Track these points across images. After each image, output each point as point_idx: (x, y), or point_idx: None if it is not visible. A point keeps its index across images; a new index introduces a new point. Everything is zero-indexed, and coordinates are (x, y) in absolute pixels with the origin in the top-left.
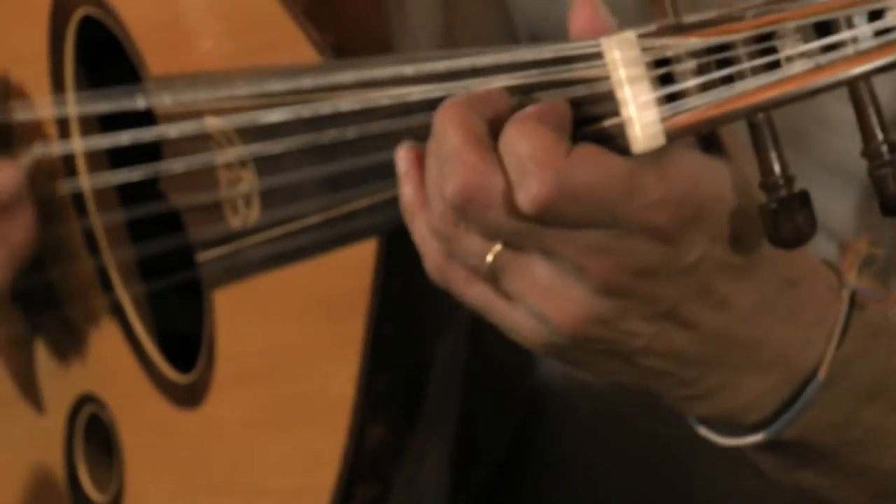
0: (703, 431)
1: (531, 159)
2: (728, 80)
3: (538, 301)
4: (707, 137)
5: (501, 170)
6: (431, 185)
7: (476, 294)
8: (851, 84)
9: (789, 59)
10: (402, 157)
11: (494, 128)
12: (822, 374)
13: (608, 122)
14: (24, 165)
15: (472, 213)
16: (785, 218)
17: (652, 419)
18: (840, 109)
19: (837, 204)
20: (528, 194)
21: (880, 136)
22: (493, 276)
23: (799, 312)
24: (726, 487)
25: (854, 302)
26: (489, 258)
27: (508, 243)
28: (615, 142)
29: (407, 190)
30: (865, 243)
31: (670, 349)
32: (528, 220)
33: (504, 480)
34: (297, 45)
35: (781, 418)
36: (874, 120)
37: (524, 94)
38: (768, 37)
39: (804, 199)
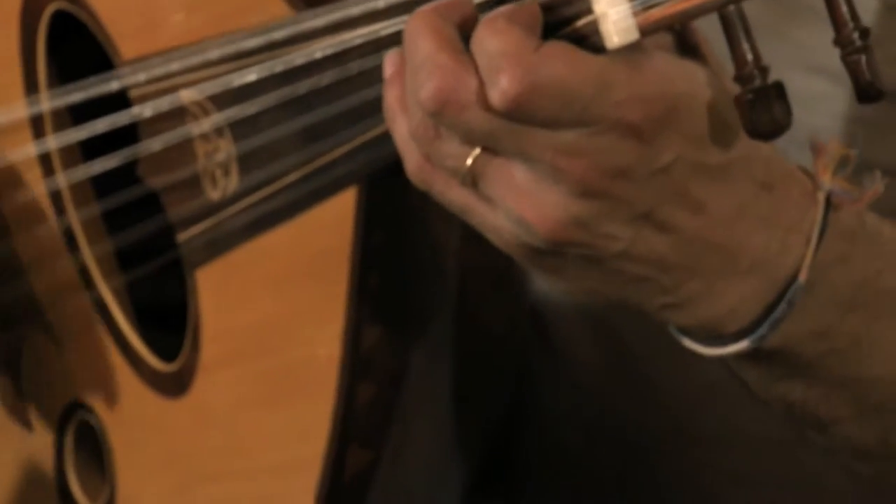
0: (687, 343)
1: (501, 55)
2: None
3: (516, 204)
4: (684, 44)
5: (474, 71)
6: (408, 93)
7: (456, 197)
8: None
9: None
10: (389, 61)
11: (464, 33)
12: (802, 276)
13: (581, 22)
14: None
15: (448, 116)
16: (761, 108)
17: (638, 405)
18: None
19: (824, 108)
20: (499, 90)
21: (851, 23)
22: (471, 180)
23: (775, 216)
24: (715, 472)
25: (830, 204)
26: (468, 161)
27: (486, 147)
28: (589, 41)
29: (390, 94)
30: (838, 144)
31: (649, 253)
32: (502, 118)
33: (490, 470)
34: (269, 4)
35: (764, 324)
36: (844, 7)
37: (497, 3)
38: None
39: (779, 89)
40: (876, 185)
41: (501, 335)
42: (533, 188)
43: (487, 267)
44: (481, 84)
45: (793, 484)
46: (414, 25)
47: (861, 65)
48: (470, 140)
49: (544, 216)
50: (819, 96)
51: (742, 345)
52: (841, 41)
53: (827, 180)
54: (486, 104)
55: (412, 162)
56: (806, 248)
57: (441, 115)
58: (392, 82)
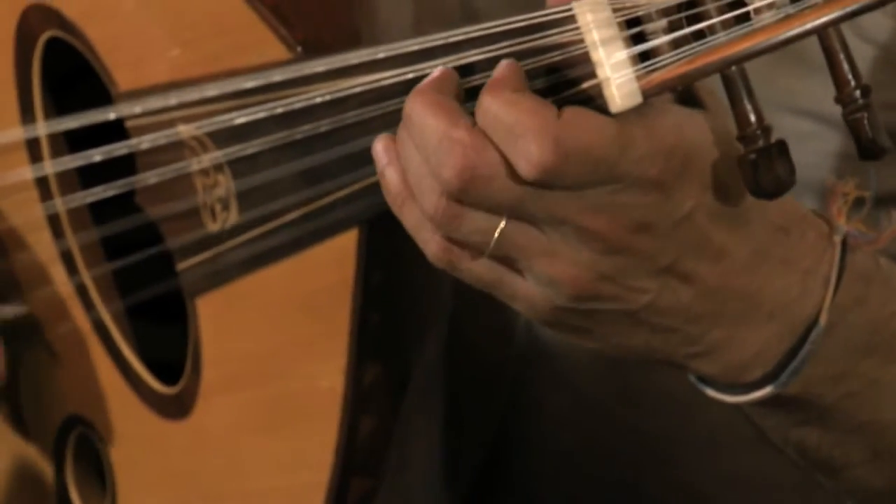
0: (710, 392)
1: (524, 126)
2: (699, 35)
3: (545, 268)
4: (684, 92)
5: (490, 143)
6: (416, 176)
7: (483, 272)
8: (821, 32)
9: (758, 11)
10: (381, 150)
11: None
12: (822, 319)
13: (586, 85)
14: None
15: (475, 191)
16: (764, 168)
17: (631, 411)
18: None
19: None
20: (529, 160)
21: (853, 81)
22: (499, 251)
23: (793, 260)
24: (708, 476)
25: (846, 246)
26: (495, 234)
27: (511, 215)
28: (594, 103)
29: (392, 181)
30: (853, 186)
31: (675, 304)
32: (528, 186)
33: (487, 475)
34: (266, 45)
35: (787, 369)
36: (846, 66)
37: None
38: None
39: (782, 148)
40: (894, 226)
41: (493, 355)
42: (560, 249)
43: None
44: (502, 155)
45: (788, 485)
46: (417, 105)
47: (863, 123)
48: (496, 211)
49: (574, 275)
50: (806, 135)
51: (765, 391)
52: (843, 99)
53: (843, 223)
54: (510, 174)
55: (433, 245)
56: (825, 291)
57: (467, 191)
58: (391, 170)
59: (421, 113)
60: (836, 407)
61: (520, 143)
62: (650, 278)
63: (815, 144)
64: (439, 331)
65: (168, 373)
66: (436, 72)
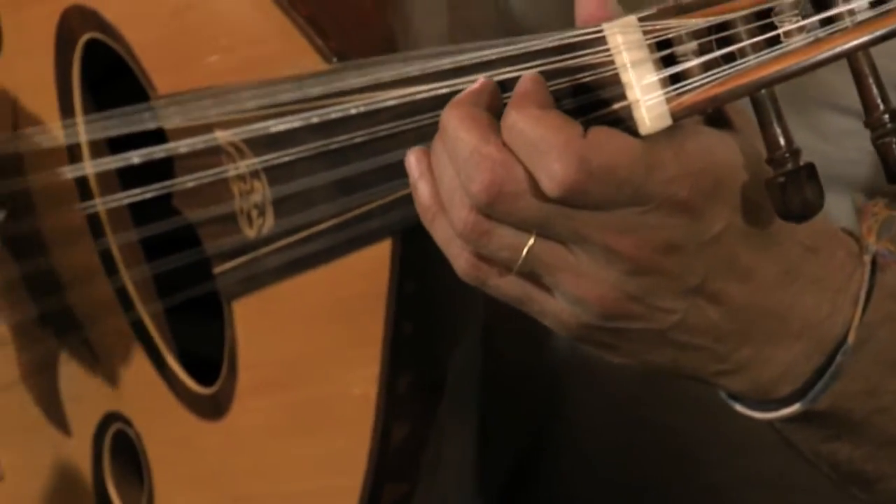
0: (739, 408)
1: (548, 144)
2: (729, 58)
3: (573, 287)
4: (714, 113)
5: (518, 159)
6: (448, 190)
7: (512, 288)
8: (850, 56)
9: (788, 34)
10: (413, 162)
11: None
12: (851, 338)
13: (616, 106)
14: None
15: (502, 207)
16: (793, 191)
17: (662, 414)
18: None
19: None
20: (552, 178)
21: (881, 105)
22: (527, 268)
23: (822, 279)
24: (737, 477)
25: (876, 265)
26: (524, 252)
27: (540, 233)
28: (624, 124)
29: (423, 194)
30: (883, 206)
31: (703, 324)
32: (555, 204)
33: (521, 477)
34: (302, 54)
35: (815, 387)
36: (875, 90)
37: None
38: (766, 13)
39: (811, 171)
40: None
41: (525, 360)
42: (588, 268)
43: None
44: (528, 172)
45: (815, 488)
46: (453, 118)
47: (891, 147)
48: (524, 228)
49: (602, 294)
50: (847, 132)
51: (794, 408)
52: (871, 123)
53: (873, 242)
54: (537, 191)
55: (463, 261)
56: (854, 310)
57: (494, 206)
58: (423, 180)
59: (455, 126)
60: (866, 422)
61: (544, 160)
62: (678, 298)
63: (856, 141)
64: (472, 336)
65: (204, 373)
66: (475, 84)
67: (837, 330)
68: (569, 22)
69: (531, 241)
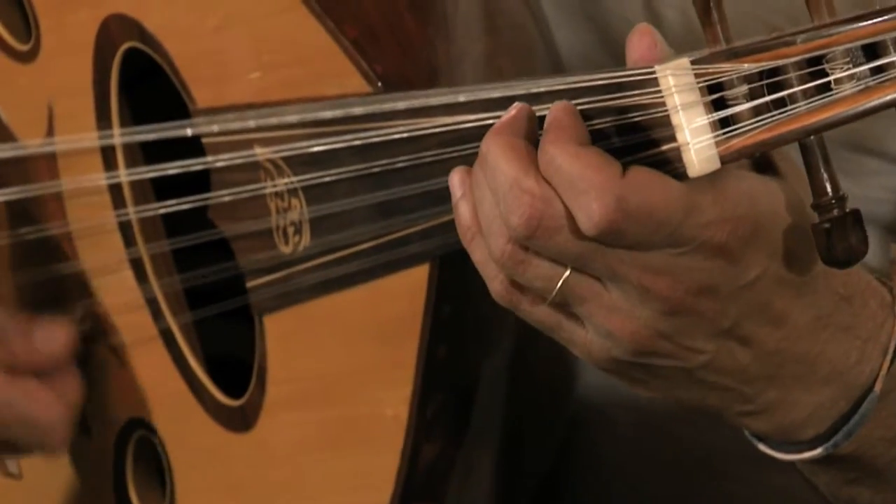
0: (763, 448)
1: (587, 182)
2: (779, 103)
3: (605, 321)
4: (760, 158)
5: (557, 195)
6: (487, 217)
7: (544, 316)
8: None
9: (839, 81)
10: (457, 182)
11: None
12: (878, 387)
13: (664, 147)
14: (74, 322)
15: (540, 241)
16: (838, 237)
17: (687, 427)
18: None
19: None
20: (591, 217)
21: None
22: (561, 299)
23: (853, 328)
24: (761, 490)
25: None
26: (558, 284)
27: (575, 267)
28: (671, 166)
29: (464, 214)
30: None
31: (732, 365)
32: (592, 242)
33: (547, 492)
34: (345, 76)
35: (840, 432)
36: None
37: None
38: (818, 60)
39: (856, 218)
40: None
41: (555, 383)
42: (621, 304)
43: None
44: (566, 208)
45: None
46: (494, 148)
47: None
48: (560, 261)
49: (633, 331)
50: (870, 172)
51: (816, 451)
52: None
53: None
54: (574, 228)
55: (497, 284)
56: (882, 359)
57: (533, 239)
58: (464, 202)
59: (495, 155)
60: (889, 468)
61: (582, 198)
62: (709, 340)
63: (878, 180)
64: (504, 360)
65: (232, 384)
66: (512, 109)
67: (865, 378)
68: (611, 54)
69: (566, 274)
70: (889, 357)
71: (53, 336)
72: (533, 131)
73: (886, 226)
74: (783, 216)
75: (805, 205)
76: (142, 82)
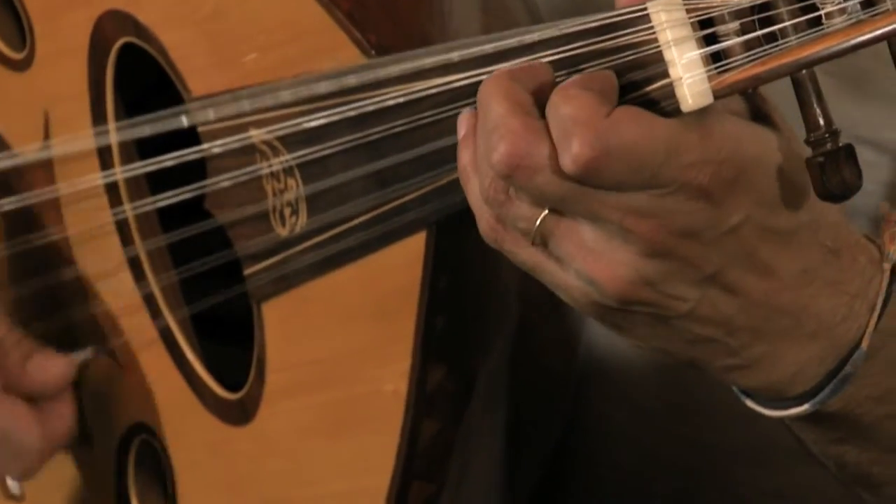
0: (750, 404)
1: (573, 121)
2: (771, 38)
3: (585, 264)
4: (757, 111)
5: (547, 136)
6: (480, 155)
7: (526, 256)
8: (891, 39)
9: (829, 16)
10: (462, 121)
11: (540, 99)
12: (865, 343)
13: (658, 84)
14: (77, 364)
15: (518, 180)
16: (832, 171)
17: (687, 427)
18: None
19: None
20: (570, 155)
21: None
22: (541, 240)
23: (841, 283)
24: (762, 488)
25: (895, 274)
26: (537, 223)
27: (555, 208)
28: (660, 105)
29: (464, 154)
30: None
31: (715, 315)
32: (573, 182)
33: (548, 487)
34: (340, 48)
35: (826, 388)
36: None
37: (572, 67)
38: None
39: (850, 152)
40: None
41: (557, 367)
42: (602, 248)
43: (546, 301)
44: (553, 149)
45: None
46: (487, 88)
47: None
48: (540, 202)
49: (613, 276)
50: (864, 164)
51: (803, 408)
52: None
53: (893, 251)
54: (557, 168)
55: (484, 222)
56: (870, 316)
57: (511, 177)
58: (465, 142)
59: (486, 95)
60: (876, 426)
61: (566, 137)
62: (691, 287)
63: (872, 173)
64: (505, 339)
65: (230, 377)
66: (524, 63)
67: (852, 335)
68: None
69: (544, 213)
70: (876, 314)
71: (48, 366)
72: (538, 87)
73: (874, 219)
74: (771, 164)
75: (796, 157)
76: (137, 79)
